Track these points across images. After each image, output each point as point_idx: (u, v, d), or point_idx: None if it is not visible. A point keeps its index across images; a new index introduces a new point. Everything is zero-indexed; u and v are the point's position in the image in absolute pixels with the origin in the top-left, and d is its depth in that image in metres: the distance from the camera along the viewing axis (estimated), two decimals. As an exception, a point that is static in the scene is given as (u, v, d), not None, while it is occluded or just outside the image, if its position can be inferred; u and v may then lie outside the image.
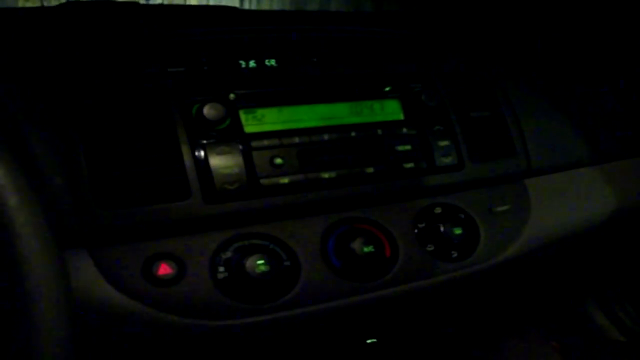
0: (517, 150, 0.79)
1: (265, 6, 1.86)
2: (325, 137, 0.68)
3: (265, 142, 0.66)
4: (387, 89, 0.74)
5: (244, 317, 0.63)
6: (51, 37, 0.70)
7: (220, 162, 0.63)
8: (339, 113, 0.70)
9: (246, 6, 1.82)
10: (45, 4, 1.54)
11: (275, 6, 1.88)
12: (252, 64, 0.71)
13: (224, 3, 1.81)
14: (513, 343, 1.15)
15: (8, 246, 0.41)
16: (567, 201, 0.82)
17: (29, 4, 1.57)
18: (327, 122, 0.69)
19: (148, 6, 1.02)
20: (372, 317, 0.75)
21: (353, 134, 0.70)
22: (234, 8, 0.97)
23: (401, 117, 0.73)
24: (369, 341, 0.96)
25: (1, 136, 0.44)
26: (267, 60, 0.72)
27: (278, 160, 0.65)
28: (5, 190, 0.41)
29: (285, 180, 0.65)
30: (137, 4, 0.90)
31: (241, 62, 0.71)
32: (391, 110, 0.73)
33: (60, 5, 0.87)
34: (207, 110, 0.63)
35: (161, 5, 1.34)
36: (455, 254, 0.72)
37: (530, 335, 1.17)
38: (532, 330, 1.17)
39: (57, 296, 0.42)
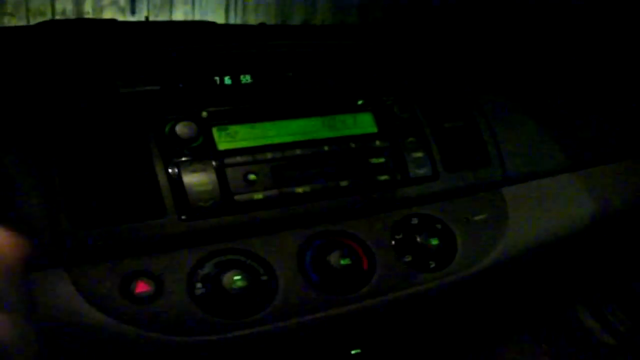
0: (492, 159, 0.79)
1: (250, 18, 1.87)
2: (299, 152, 0.69)
3: (239, 159, 0.66)
4: (360, 102, 0.74)
5: (222, 332, 0.63)
6: (26, 56, 0.70)
7: (194, 179, 0.64)
8: (312, 128, 0.71)
9: (231, 18, 1.82)
10: (32, 21, 1.54)
11: (261, 17, 1.89)
12: (227, 80, 0.72)
13: (209, 16, 1.83)
14: (503, 348, 1.16)
15: None
16: (545, 208, 0.82)
17: (14, 21, 1.57)
18: (301, 137, 0.70)
19: (125, 23, 1.02)
20: (353, 329, 0.75)
21: (326, 148, 0.70)
22: (212, 23, 0.97)
23: (374, 129, 0.74)
24: (353, 352, 0.96)
25: None
26: (242, 76, 0.72)
27: (252, 177, 0.66)
28: None
29: (260, 195, 0.66)
30: (115, 21, 0.90)
31: (216, 78, 0.71)
32: (364, 123, 0.73)
33: (39, 24, 0.87)
34: (179, 129, 0.64)
35: (138, 23, 1.35)
36: (433, 264, 0.72)
37: (520, 340, 1.17)
38: (522, 335, 1.18)
39: None
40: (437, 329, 1.04)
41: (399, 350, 1.01)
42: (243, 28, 1.17)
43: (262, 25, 1.12)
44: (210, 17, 1.78)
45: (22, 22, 1.52)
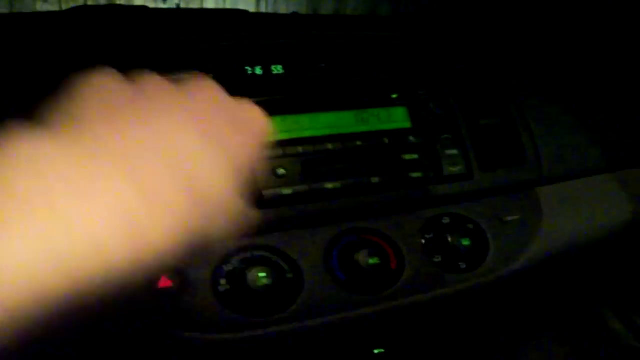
0: (528, 159, 0.77)
1: (281, 7, 1.86)
2: (330, 146, 0.67)
3: (268, 152, 0.65)
4: (394, 96, 0.72)
5: (245, 330, 0.62)
6: (58, 41, 0.70)
7: None
8: (345, 122, 0.69)
9: (262, 7, 1.81)
10: (64, 6, 1.54)
11: (292, 7, 1.87)
12: (258, 70, 0.70)
13: (240, 4, 1.82)
14: (527, 349, 1.14)
15: None
16: (580, 210, 0.80)
17: (46, 7, 1.57)
18: (332, 131, 0.68)
19: (157, 10, 1.01)
20: (378, 330, 0.74)
21: (358, 142, 0.68)
22: (244, 12, 0.96)
23: (408, 125, 0.72)
24: (376, 351, 0.95)
25: None
26: (273, 67, 0.71)
27: (281, 171, 0.64)
28: None
29: (289, 191, 0.64)
30: (146, 8, 0.89)
31: (247, 68, 0.70)
32: (398, 118, 0.71)
33: (70, 9, 0.86)
34: None
35: (169, 10, 1.33)
36: (463, 265, 0.70)
37: (544, 341, 1.16)
38: (547, 336, 1.16)
39: None
40: (462, 330, 1.03)
41: (422, 350, 0.99)
42: (275, 17, 1.16)
43: (294, 14, 1.11)
44: (241, 6, 1.77)
45: (55, 8, 1.52)
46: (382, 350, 0.93)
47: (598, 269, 1.01)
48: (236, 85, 0.67)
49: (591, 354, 1.13)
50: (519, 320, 1.12)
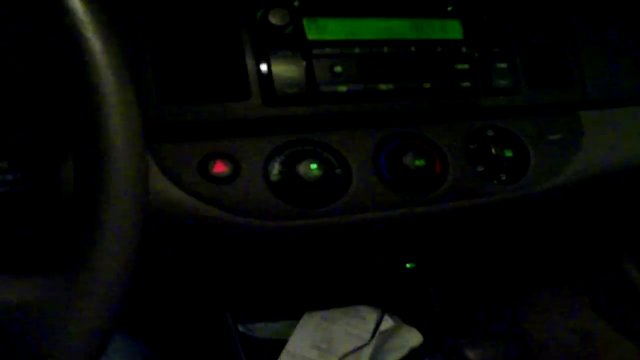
0: (574, 80, 0.78)
1: None
2: (385, 49, 0.69)
3: (327, 50, 0.66)
4: (450, 8, 0.73)
5: (293, 219, 0.65)
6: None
7: (281, 66, 0.64)
8: (400, 28, 0.70)
9: None
10: None
11: None
12: None
13: None
14: (545, 297, 1.16)
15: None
16: (621, 138, 0.81)
17: None
18: (389, 36, 0.70)
19: None
20: (417, 232, 0.76)
21: (412, 49, 0.70)
22: None
23: (461, 37, 0.73)
24: (408, 266, 0.98)
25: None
26: None
27: (338, 69, 0.66)
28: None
29: (344, 88, 0.66)
30: None
31: None
32: (452, 29, 0.73)
33: None
34: (271, 16, 0.64)
35: None
36: (504, 177, 0.72)
37: (562, 290, 1.17)
38: (565, 285, 1.18)
39: None
40: (488, 257, 1.05)
41: (450, 275, 1.02)
42: None
43: None
44: None
45: None
46: (414, 265, 0.96)
47: (625, 208, 1.02)
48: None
49: (609, 303, 1.15)
50: (539, 267, 1.14)
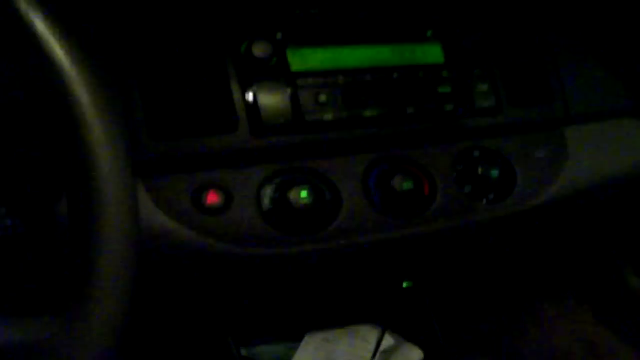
0: (555, 96, 0.80)
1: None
2: (368, 77, 0.70)
3: (311, 80, 0.68)
4: (429, 33, 0.75)
5: (286, 246, 0.66)
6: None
7: (267, 97, 0.66)
8: (382, 55, 0.72)
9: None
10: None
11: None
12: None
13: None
14: (546, 305, 1.17)
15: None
16: (606, 151, 0.82)
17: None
18: (371, 63, 0.71)
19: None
20: (409, 254, 0.77)
21: (395, 75, 0.71)
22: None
23: (442, 60, 0.75)
24: (405, 285, 0.99)
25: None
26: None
27: (322, 98, 0.68)
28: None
29: (329, 116, 0.68)
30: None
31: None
32: (432, 53, 0.74)
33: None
34: (255, 48, 0.66)
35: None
36: (491, 196, 0.74)
37: (563, 298, 1.18)
38: (566, 294, 1.18)
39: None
40: (485, 271, 1.06)
41: (446, 290, 1.03)
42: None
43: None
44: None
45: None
46: (410, 284, 0.97)
47: (619, 216, 1.03)
48: (279, 17, 0.70)
49: (610, 311, 1.15)
50: (540, 277, 1.14)
